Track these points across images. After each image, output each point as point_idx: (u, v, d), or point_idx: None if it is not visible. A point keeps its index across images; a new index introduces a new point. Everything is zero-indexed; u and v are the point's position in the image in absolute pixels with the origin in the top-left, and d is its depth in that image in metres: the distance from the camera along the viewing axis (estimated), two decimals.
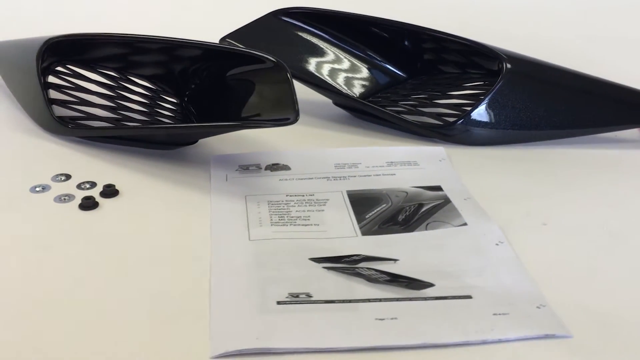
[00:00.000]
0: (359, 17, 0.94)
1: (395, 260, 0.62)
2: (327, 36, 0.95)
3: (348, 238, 0.65)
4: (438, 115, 0.85)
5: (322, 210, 0.69)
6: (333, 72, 0.92)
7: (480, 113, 0.83)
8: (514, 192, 0.74)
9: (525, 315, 0.54)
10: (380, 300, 0.56)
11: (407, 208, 0.70)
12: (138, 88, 0.88)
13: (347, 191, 0.73)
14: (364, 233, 0.66)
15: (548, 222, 0.68)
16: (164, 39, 0.81)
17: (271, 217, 0.68)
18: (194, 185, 0.74)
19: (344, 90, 0.90)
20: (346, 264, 0.61)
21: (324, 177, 0.75)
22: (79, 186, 0.74)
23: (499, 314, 0.55)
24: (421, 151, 0.81)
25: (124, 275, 0.60)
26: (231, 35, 0.91)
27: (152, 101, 0.87)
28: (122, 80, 0.88)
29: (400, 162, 0.78)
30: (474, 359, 0.51)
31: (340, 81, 0.91)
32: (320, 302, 0.56)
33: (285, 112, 0.71)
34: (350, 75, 0.93)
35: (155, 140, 0.80)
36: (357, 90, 0.92)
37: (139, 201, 0.72)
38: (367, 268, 0.60)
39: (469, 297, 0.57)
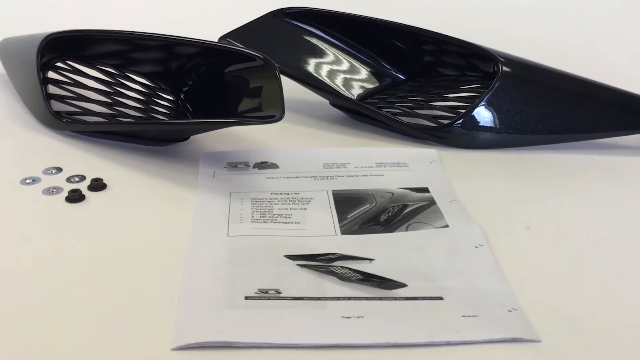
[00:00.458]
0: (359, 17, 0.94)
1: (371, 259, 0.61)
2: (326, 36, 0.95)
3: (327, 237, 0.65)
4: (433, 118, 0.85)
5: (305, 209, 0.69)
6: (331, 73, 0.92)
7: (475, 116, 0.82)
8: (502, 196, 0.73)
9: (495, 318, 0.54)
10: (349, 298, 0.56)
11: (391, 209, 0.69)
12: (135, 85, 0.89)
13: (332, 191, 0.73)
14: (344, 232, 0.65)
15: (532, 227, 0.67)
16: (160, 36, 0.82)
17: (252, 214, 0.68)
18: (181, 181, 0.75)
19: (340, 91, 0.90)
20: (321, 262, 0.61)
21: (311, 177, 0.75)
22: (68, 179, 0.74)
23: (468, 316, 0.54)
24: (412, 153, 0.80)
25: (100, 266, 0.61)
26: (230, 35, 0.91)
27: (149, 98, 0.87)
28: (120, 77, 0.89)
29: (390, 164, 0.78)
30: None
31: (337, 82, 0.91)
32: (288, 298, 0.55)
33: (272, 110, 0.71)
34: (348, 76, 0.93)
35: (147, 136, 0.80)
36: (354, 91, 0.91)
37: (125, 195, 0.72)
38: (342, 267, 0.60)
39: (441, 298, 0.56)
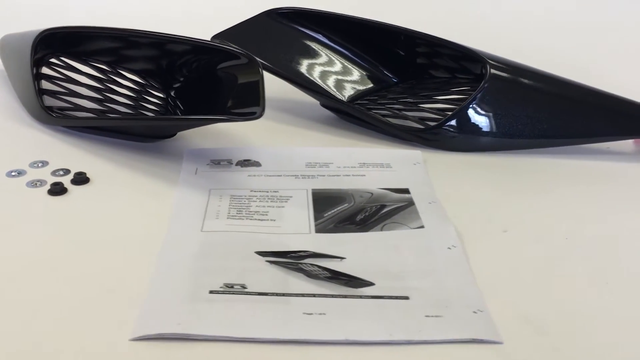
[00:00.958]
0: (352, 19, 0.94)
1: (342, 258, 0.61)
2: (319, 37, 0.95)
3: (301, 234, 0.65)
4: (421, 120, 0.85)
5: (282, 207, 0.69)
6: (322, 74, 0.92)
7: (462, 118, 0.82)
8: (483, 199, 0.73)
9: (459, 319, 0.53)
10: (314, 295, 0.56)
11: (368, 208, 0.69)
12: (127, 82, 0.89)
13: (312, 189, 0.73)
14: (319, 231, 0.65)
15: (509, 230, 0.66)
16: (149, 34, 0.83)
17: (229, 211, 0.68)
18: (163, 177, 0.75)
19: (330, 92, 0.90)
20: (291, 259, 0.61)
21: (293, 175, 0.75)
22: (53, 173, 0.75)
23: (432, 316, 0.54)
24: (397, 154, 0.80)
25: (75, 257, 0.61)
26: (222, 34, 0.92)
27: (139, 95, 0.88)
28: (112, 73, 0.90)
29: (373, 164, 0.78)
30: (394, 358, 0.50)
31: (328, 83, 0.91)
32: (253, 293, 0.56)
33: (254, 107, 0.72)
34: (339, 77, 0.93)
35: (134, 132, 0.81)
36: (345, 92, 0.91)
37: (107, 189, 0.73)
38: (311, 264, 0.60)
39: (407, 297, 0.56)
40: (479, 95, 0.81)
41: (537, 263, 0.62)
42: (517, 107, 0.81)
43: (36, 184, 0.73)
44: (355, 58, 0.95)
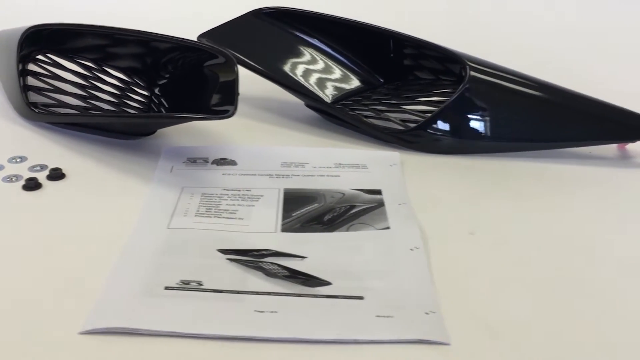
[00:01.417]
0: (339, 19, 0.94)
1: (303, 257, 0.61)
2: (306, 37, 0.95)
3: (266, 233, 0.65)
4: (402, 121, 0.84)
5: (253, 206, 0.70)
6: (307, 74, 0.92)
7: (441, 120, 0.81)
8: (455, 201, 0.72)
9: (409, 320, 0.53)
10: (269, 294, 0.56)
11: (338, 209, 0.69)
12: (112, 79, 0.90)
13: (285, 189, 0.73)
14: (284, 230, 0.66)
15: (476, 233, 0.66)
16: (131, 32, 0.83)
17: (199, 209, 0.68)
18: (139, 174, 0.76)
19: (314, 93, 0.90)
20: (252, 257, 0.61)
21: (267, 175, 0.76)
22: (30, 168, 0.76)
23: (383, 316, 0.54)
24: (373, 155, 0.80)
25: (39, 251, 0.62)
26: (208, 33, 0.92)
27: (123, 92, 0.89)
28: (97, 71, 0.91)
29: (349, 165, 0.78)
30: (342, 357, 0.50)
31: (313, 83, 0.91)
32: (208, 290, 0.56)
33: (227, 106, 0.72)
34: (324, 77, 0.93)
35: (114, 129, 0.82)
36: (330, 92, 0.91)
37: (81, 186, 0.73)
38: (271, 263, 0.60)
39: (361, 297, 0.56)
40: (457, 97, 0.80)
41: (498, 267, 0.61)
42: (497, 110, 0.81)
43: (12, 179, 0.74)
44: (341, 59, 0.95)
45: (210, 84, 0.82)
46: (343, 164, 0.78)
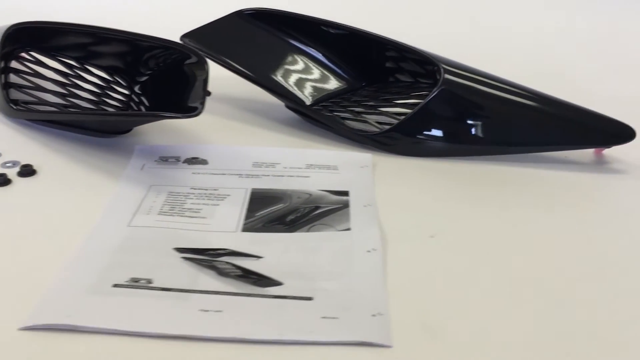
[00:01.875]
0: (322, 21, 0.94)
1: (259, 257, 0.61)
2: (288, 39, 0.95)
3: (226, 233, 0.65)
4: (379, 123, 0.84)
5: (217, 205, 0.70)
6: (288, 75, 0.92)
7: (414, 123, 0.81)
8: (421, 203, 0.72)
9: (355, 322, 0.53)
10: (217, 293, 0.56)
11: (302, 209, 0.69)
12: (93, 77, 0.91)
13: (252, 189, 0.73)
14: (245, 229, 0.66)
15: (436, 235, 0.66)
16: (105, 30, 0.84)
17: (162, 207, 0.68)
18: (110, 172, 0.76)
19: (292, 94, 0.89)
20: (207, 257, 0.61)
21: (237, 174, 0.76)
22: (2, 164, 0.77)
23: (328, 318, 0.53)
24: (346, 157, 0.80)
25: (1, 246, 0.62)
26: (191, 33, 0.93)
27: (102, 91, 0.89)
28: (79, 69, 0.91)
29: (320, 166, 0.78)
30: (280, 358, 0.50)
31: (293, 84, 0.91)
32: (156, 289, 0.56)
33: (196, 104, 0.72)
34: (306, 79, 0.93)
35: (90, 127, 0.82)
36: (311, 94, 0.91)
37: (51, 182, 0.74)
38: (226, 262, 0.60)
39: (310, 298, 0.56)
40: (431, 100, 0.80)
41: (452, 270, 0.61)
42: (471, 113, 0.81)
43: None
44: (324, 60, 0.95)
45: (189, 83, 0.83)
46: (314, 165, 0.78)
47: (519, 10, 1.41)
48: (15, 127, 0.86)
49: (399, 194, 0.74)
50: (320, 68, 0.94)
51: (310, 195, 0.72)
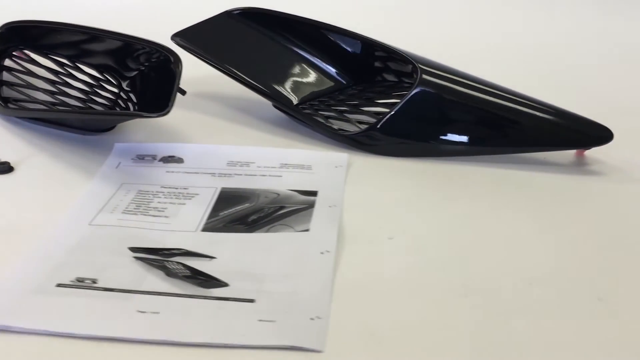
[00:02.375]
0: (312, 22, 0.94)
1: (212, 257, 0.61)
2: (278, 38, 0.95)
3: (185, 232, 0.65)
4: (360, 123, 0.83)
5: (183, 204, 0.70)
6: (275, 75, 0.91)
7: (391, 123, 0.80)
8: (387, 205, 0.71)
9: (290, 325, 0.53)
10: (159, 294, 0.56)
11: (267, 209, 0.69)
12: (83, 76, 0.92)
13: (222, 188, 0.73)
14: (205, 229, 0.66)
15: (395, 237, 0.65)
16: (87, 29, 0.85)
17: (128, 206, 0.69)
18: (87, 170, 0.77)
19: (279, 93, 0.89)
20: (159, 256, 0.61)
21: (210, 173, 0.76)
22: None
23: (265, 321, 0.53)
24: (321, 156, 0.79)
25: None
26: (181, 33, 0.93)
27: (92, 89, 0.90)
28: (70, 67, 0.93)
29: (294, 165, 0.77)
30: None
31: (280, 84, 0.91)
32: (99, 289, 0.56)
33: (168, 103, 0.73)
34: (294, 78, 0.92)
35: (74, 124, 0.84)
36: (298, 93, 0.91)
37: (27, 179, 0.75)
38: (177, 262, 0.60)
39: (252, 300, 0.55)
40: (408, 100, 0.79)
41: (404, 273, 0.60)
42: (448, 114, 0.79)
43: None
44: (312, 60, 0.95)
45: (169, 81, 0.83)
46: (288, 164, 0.77)
47: (507, 12, 1.38)
48: (3, 124, 0.87)
49: (368, 194, 0.73)
50: (308, 67, 0.94)
51: (278, 195, 0.72)
